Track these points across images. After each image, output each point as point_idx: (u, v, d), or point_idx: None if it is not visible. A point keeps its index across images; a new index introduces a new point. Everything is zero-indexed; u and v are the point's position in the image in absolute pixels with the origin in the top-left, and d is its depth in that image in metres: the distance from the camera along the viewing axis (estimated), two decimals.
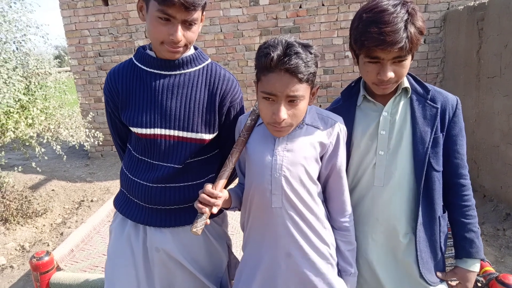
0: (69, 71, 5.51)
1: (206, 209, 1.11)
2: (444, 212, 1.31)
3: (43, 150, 3.67)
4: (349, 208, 1.26)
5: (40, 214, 3.94)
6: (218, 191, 1.14)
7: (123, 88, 1.30)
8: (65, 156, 3.96)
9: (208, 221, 1.13)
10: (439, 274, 1.30)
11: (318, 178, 1.25)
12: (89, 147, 4.27)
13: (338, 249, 1.27)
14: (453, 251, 1.35)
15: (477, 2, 4.03)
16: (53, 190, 4.59)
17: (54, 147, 3.66)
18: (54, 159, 5.67)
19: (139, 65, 1.29)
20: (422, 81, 1.30)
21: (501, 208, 3.35)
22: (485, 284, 1.46)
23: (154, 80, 1.27)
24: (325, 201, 1.28)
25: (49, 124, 3.65)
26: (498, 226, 3.19)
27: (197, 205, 1.12)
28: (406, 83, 1.25)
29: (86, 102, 5.64)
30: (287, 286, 1.22)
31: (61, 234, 3.64)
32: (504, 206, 3.34)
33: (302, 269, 1.20)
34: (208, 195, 1.11)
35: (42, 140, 3.66)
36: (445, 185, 1.28)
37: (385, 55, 1.12)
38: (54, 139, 3.66)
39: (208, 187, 1.13)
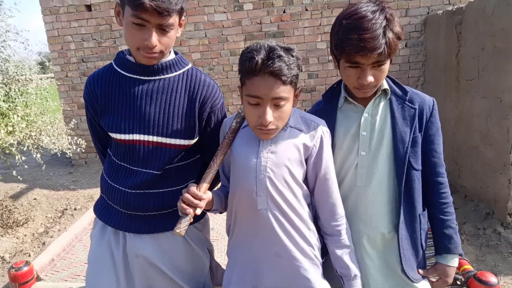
0: (53, 77, 5.43)
1: (190, 210, 1.10)
2: (424, 210, 1.34)
3: (23, 158, 3.59)
4: (340, 211, 1.26)
5: (21, 223, 3.85)
6: (202, 193, 1.14)
7: (102, 93, 1.30)
8: (44, 166, 3.88)
9: (192, 219, 1.13)
10: (420, 271, 1.33)
11: (306, 182, 1.26)
12: (71, 155, 4.20)
13: (334, 255, 1.26)
14: (433, 251, 1.38)
15: (455, 7, 4.14)
16: (35, 199, 4.49)
17: (35, 155, 3.59)
18: (37, 167, 5.55)
19: (119, 70, 1.29)
20: (400, 83, 1.33)
21: (481, 208, 3.42)
22: (464, 282, 1.50)
23: (133, 86, 1.26)
24: (316, 205, 1.29)
25: (30, 131, 3.58)
26: (479, 226, 3.25)
27: (181, 205, 1.12)
28: (385, 85, 1.28)
29: (69, 109, 5.56)
30: (276, 286, 1.23)
31: (43, 243, 3.56)
32: (484, 206, 3.42)
33: (290, 269, 1.21)
34: (192, 196, 1.11)
35: (22, 148, 3.58)
36: (424, 183, 1.31)
37: (365, 61, 1.15)
38: (35, 146, 3.59)
39: (193, 188, 1.13)
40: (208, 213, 1.44)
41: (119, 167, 1.34)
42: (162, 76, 1.27)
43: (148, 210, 1.31)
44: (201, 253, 1.41)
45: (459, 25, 3.85)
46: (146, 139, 1.27)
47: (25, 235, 3.73)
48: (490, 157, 3.34)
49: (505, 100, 3.05)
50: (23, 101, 3.60)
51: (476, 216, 3.39)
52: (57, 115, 4.24)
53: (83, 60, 5.48)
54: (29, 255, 3.37)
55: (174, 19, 1.17)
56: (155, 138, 1.27)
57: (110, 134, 1.29)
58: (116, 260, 1.33)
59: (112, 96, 1.29)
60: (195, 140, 1.34)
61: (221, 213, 1.36)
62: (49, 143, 3.68)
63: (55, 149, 3.76)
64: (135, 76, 1.27)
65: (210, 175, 1.19)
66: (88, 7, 5.32)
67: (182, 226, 1.10)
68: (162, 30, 1.17)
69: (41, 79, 3.95)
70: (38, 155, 3.54)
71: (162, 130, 1.27)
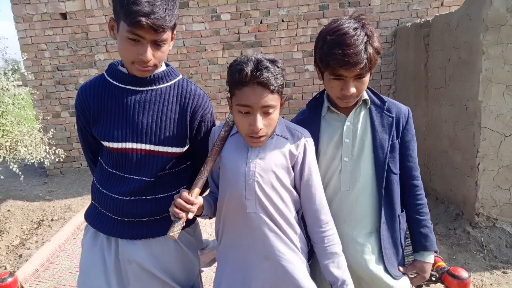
0: (21, 85, 5.30)
1: (183, 214, 1.15)
2: (402, 211, 1.43)
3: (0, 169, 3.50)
4: (324, 217, 1.29)
5: None
6: (194, 198, 1.19)
7: (94, 103, 1.33)
8: (22, 176, 3.78)
9: (184, 223, 1.17)
10: (401, 268, 1.42)
11: (295, 189, 1.32)
12: (48, 164, 4.11)
13: (321, 263, 1.29)
14: (410, 250, 1.48)
15: (423, 20, 4.38)
16: (8, 210, 4.35)
17: (11, 166, 3.49)
18: (9, 178, 5.38)
19: (111, 80, 1.32)
20: (379, 93, 1.44)
21: (452, 209, 3.61)
22: (438, 278, 1.61)
23: (126, 96, 1.30)
24: (303, 212, 1.34)
25: (6, 141, 3.49)
26: (450, 226, 3.43)
27: (174, 209, 1.16)
28: (365, 96, 1.38)
29: (44, 118, 5.43)
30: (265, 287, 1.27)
31: (20, 256, 3.46)
32: (454, 207, 3.60)
33: (278, 271, 1.26)
34: (184, 201, 1.16)
35: None
36: (401, 186, 1.41)
37: (348, 73, 1.24)
38: (12, 157, 3.50)
39: (185, 193, 1.17)
40: (198, 218, 1.48)
41: (111, 175, 1.37)
42: (154, 87, 1.32)
43: (141, 216, 1.34)
44: (192, 256, 1.45)
45: (427, 37, 4.07)
46: (138, 147, 1.31)
47: (0, 248, 3.61)
48: (458, 161, 3.53)
49: (470, 107, 3.25)
50: None
51: (447, 217, 3.57)
52: (35, 124, 4.14)
53: (58, 69, 5.38)
54: (5, 268, 3.26)
55: (167, 35, 1.23)
56: (147, 146, 1.31)
57: (103, 142, 1.33)
58: (108, 267, 1.35)
59: (105, 106, 1.32)
60: (186, 148, 1.39)
61: (210, 218, 1.40)
62: (26, 153, 3.59)
63: (32, 159, 3.68)
64: (127, 87, 1.31)
65: (201, 180, 1.24)
66: (63, 15, 5.25)
67: (176, 230, 1.14)
68: (157, 45, 1.22)
69: (19, 86, 3.85)
70: (16, 166, 3.45)
71: (154, 138, 1.32)
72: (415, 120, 4.45)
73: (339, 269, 1.28)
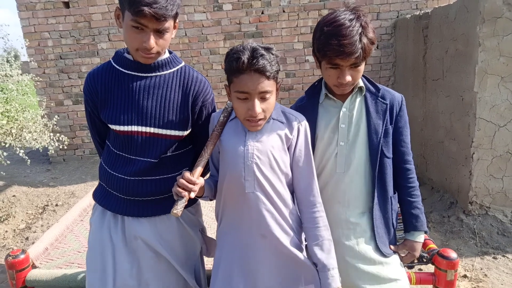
0: (21, 74, 5.37)
1: (186, 193, 1.22)
2: (394, 193, 1.51)
3: (5, 154, 3.58)
4: (312, 199, 1.35)
5: (1, 220, 3.83)
6: (195, 178, 1.26)
7: (102, 88, 1.40)
8: (29, 160, 3.88)
9: (186, 202, 1.25)
10: (392, 247, 1.50)
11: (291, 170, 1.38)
12: (53, 151, 4.19)
13: (307, 243, 1.35)
14: (402, 233, 1.56)
15: (422, 12, 4.43)
16: (14, 196, 4.45)
17: (18, 152, 3.58)
18: (13, 165, 5.46)
19: (118, 67, 1.39)
20: (374, 81, 1.51)
21: (446, 198, 3.70)
22: (429, 259, 1.69)
23: (132, 81, 1.37)
24: (294, 193, 1.41)
25: (11, 128, 3.57)
26: (444, 214, 3.53)
27: (177, 189, 1.23)
28: (361, 83, 1.45)
29: (48, 106, 5.50)
30: (264, 266, 1.34)
31: (26, 239, 3.57)
32: (449, 196, 3.70)
33: (275, 249, 1.33)
34: (186, 181, 1.23)
35: (4, 144, 3.57)
36: (394, 169, 1.49)
37: (344, 63, 1.31)
38: (18, 142, 3.58)
39: (187, 174, 1.25)
40: (200, 200, 1.56)
41: (117, 157, 1.45)
42: (158, 73, 1.39)
43: (146, 195, 1.42)
44: (193, 234, 1.53)
45: (426, 29, 4.11)
46: (143, 130, 1.38)
47: (6, 231, 3.71)
48: (453, 151, 3.61)
49: (466, 98, 3.32)
50: (3, 97, 3.58)
51: (442, 205, 3.67)
52: (39, 111, 4.21)
53: (61, 57, 5.43)
54: (13, 250, 3.37)
55: (169, 23, 1.30)
56: (151, 129, 1.39)
57: (110, 126, 1.40)
58: (116, 243, 1.43)
59: (111, 91, 1.39)
60: (188, 131, 1.46)
61: (211, 200, 1.47)
62: (31, 139, 3.68)
63: (37, 145, 3.76)
64: (133, 73, 1.38)
65: (202, 162, 1.32)
66: (66, 4, 5.28)
67: (179, 208, 1.22)
68: (159, 33, 1.29)
69: (21, 74, 3.92)
70: (22, 151, 3.54)
71: (158, 121, 1.39)
72: (413, 111, 4.53)
73: (323, 251, 1.33)
